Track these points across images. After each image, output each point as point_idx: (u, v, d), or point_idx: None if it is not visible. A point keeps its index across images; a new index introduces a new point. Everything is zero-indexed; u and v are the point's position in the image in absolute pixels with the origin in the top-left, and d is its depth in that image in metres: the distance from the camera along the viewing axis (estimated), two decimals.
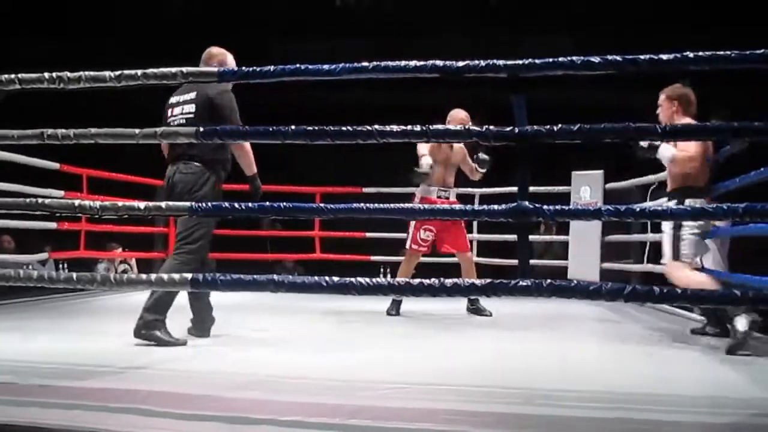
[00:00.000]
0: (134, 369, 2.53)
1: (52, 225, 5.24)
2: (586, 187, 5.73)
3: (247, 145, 3.23)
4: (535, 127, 2.22)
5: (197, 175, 3.13)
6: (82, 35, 12.85)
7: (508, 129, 2.16)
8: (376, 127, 2.19)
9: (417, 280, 2.04)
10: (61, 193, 4.97)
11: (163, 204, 2.31)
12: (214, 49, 3.31)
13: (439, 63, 2.36)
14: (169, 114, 3.22)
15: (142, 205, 2.26)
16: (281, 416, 1.87)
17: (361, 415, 1.90)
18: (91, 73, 2.29)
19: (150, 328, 3.02)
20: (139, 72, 2.28)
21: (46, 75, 2.29)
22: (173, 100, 3.29)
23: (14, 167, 4.77)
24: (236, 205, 2.27)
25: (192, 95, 3.20)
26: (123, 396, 2.08)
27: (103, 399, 2.04)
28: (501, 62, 2.18)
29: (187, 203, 2.32)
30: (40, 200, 2.35)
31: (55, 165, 5.15)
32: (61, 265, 7.02)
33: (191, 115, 3.12)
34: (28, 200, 2.34)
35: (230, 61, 3.28)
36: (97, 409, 1.93)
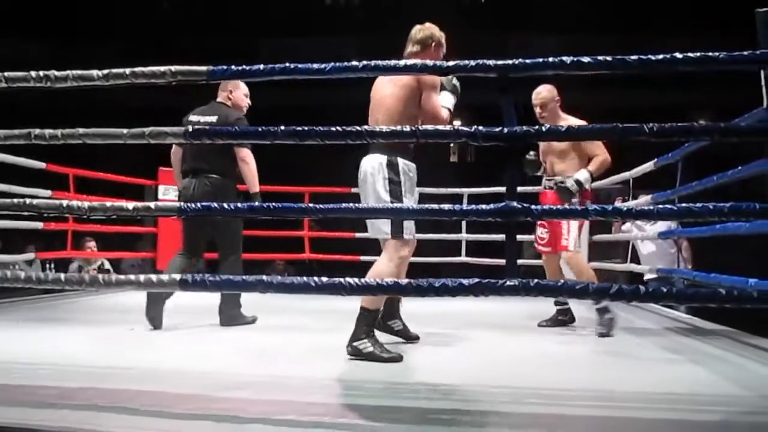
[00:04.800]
0: (122, 369, 2.52)
1: (39, 225, 5.20)
2: None
3: (253, 164, 3.67)
4: (524, 127, 2.24)
5: (218, 187, 3.58)
6: (74, 36, 12.82)
7: (497, 129, 2.17)
8: (365, 127, 2.20)
9: (405, 280, 2.05)
10: (48, 192, 4.94)
11: (151, 204, 2.30)
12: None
13: (429, 62, 2.36)
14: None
15: (130, 205, 2.25)
16: (271, 416, 1.87)
17: (352, 414, 1.91)
18: (79, 72, 2.27)
19: (233, 317, 3.69)
20: (128, 71, 2.27)
21: (33, 74, 2.27)
22: (193, 118, 3.66)
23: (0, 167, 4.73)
24: (225, 205, 2.27)
25: (213, 118, 3.63)
26: (111, 396, 2.07)
27: (90, 399, 2.03)
28: (491, 62, 2.18)
29: (175, 203, 2.32)
30: (27, 200, 2.33)
31: (42, 164, 5.11)
32: (48, 266, 6.97)
33: None
34: (15, 200, 2.32)
35: (242, 89, 3.79)
36: (85, 409, 1.92)
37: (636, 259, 5.68)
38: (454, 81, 2.97)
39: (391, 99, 2.81)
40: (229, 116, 3.66)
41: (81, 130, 2.24)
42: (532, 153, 3.78)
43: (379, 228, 2.80)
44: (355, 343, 2.68)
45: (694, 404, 2.11)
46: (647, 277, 5.29)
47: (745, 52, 2.10)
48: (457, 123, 11.78)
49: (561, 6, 12.47)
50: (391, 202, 2.74)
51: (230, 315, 3.73)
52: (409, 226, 2.80)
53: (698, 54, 2.09)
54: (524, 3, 12.88)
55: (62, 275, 2.17)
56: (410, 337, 3.23)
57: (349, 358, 2.70)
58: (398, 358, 2.67)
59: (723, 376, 2.50)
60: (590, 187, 3.68)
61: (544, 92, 3.68)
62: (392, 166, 2.77)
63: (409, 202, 2.82)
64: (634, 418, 1.96)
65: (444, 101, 2.89)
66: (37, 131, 2.26)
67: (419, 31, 2.99)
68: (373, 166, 2.79)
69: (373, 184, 2.78)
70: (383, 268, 2.73)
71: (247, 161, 3.65)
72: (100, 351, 2.91)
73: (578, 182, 3.51)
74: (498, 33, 12.51)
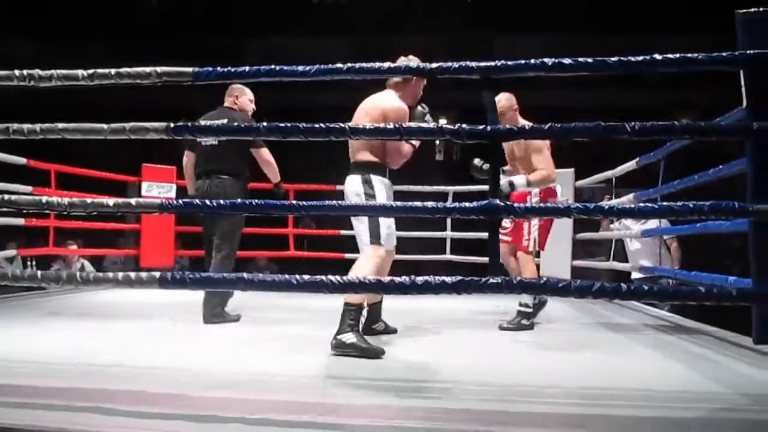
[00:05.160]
0: (100, 368, 2.49)
1: (20, 221, 5.14)
2: (558, 186, 5.77)
3: (272, 159, 3.96)
4: (507, 125, 2.25)
5: (228, 186, 3.83)
6: (61, 36, 12.69)
7: (480, 127, 2.17)
8: (349, 125, 2.19)
9: (388, 278, 2.05)
10: (29, 188, 4.88)
11: (132, 200, 2.28)
12: (236, 85, 4.00)
13: (413, 64, 2.37)
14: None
15: (111, 201, 2.23)
16: (250, 414, 1.86)
17: (334, 413, 1.90)
18: (63, 71, 2.25)
19: (216, 315, 3.75)
20: (113, 71, 2.25)
21: (17, 72, 2.24)
22: (203, 123, 3.82)
23: None
24: (207, 202, 2.25)
25: (224, 121, 3.84)
26: (89, 395, 2.05)
27: (68, 398, 2.01)
28: (474, 64, 2.19)
29: (157, 200, 2.30)
30: (6, 196, 2.29)
31: (22, 160, 5.05)
32: (29, 262, 6.89)
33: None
34: None
35: (248, 95, 4.06)
36: (62, 409, 1.90)
37: (622, 257, 5.71)
38: (427, 117, 3.16)
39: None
40: (238, 120, 3.87)
41: (60, 126, 2.21)
42: (477, 159, 3.83)
43: (361, 240, 3.05)
44: (339, 337, 2.76)
45: (675, 402, 2.13)
46: (634, 276, 5.32)
47: (724, 53, 2.13)
48: (442, 121, 11.80)
49: (546, 7, 12.51)
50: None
51: (213, 313, 3.75)
52: (384, 233, 3.01)
53: (678, 55, 2.11)
54: (510, 3, 12.92)
55: (39, 272, 2.14)
56: (390, 332, 3.43)
57: (333, 353, 2.73)
58: (380, 351, 2.75)
59: (704, 374, 2.53)
60: (528, 191, 3.78)
61: (502, 101, 3.74)
62: (367, 182, 3.03)
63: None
64: (615, 415, 1.97)
65: None
66: (15, 126, 2.23)
67: (403, 63, 3.18)
68: (351, 185, 3.07)
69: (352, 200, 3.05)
70: (364, 264, 2.91)
71: (269, 160, 3.97)
72: (78, 350, 2.88)
73: (511, 183, 3.61)
74: (483, 33, 12.54)
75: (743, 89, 2.76)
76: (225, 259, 3.83)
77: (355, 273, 2.79)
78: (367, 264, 2.90)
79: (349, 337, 2.74)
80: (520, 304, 3.69)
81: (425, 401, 2.08)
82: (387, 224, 3.04)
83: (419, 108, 3.16)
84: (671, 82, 11.08)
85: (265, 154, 3.97)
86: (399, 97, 3.10)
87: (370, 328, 3.31)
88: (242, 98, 4.06)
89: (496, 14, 12.79)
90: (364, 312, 2.88)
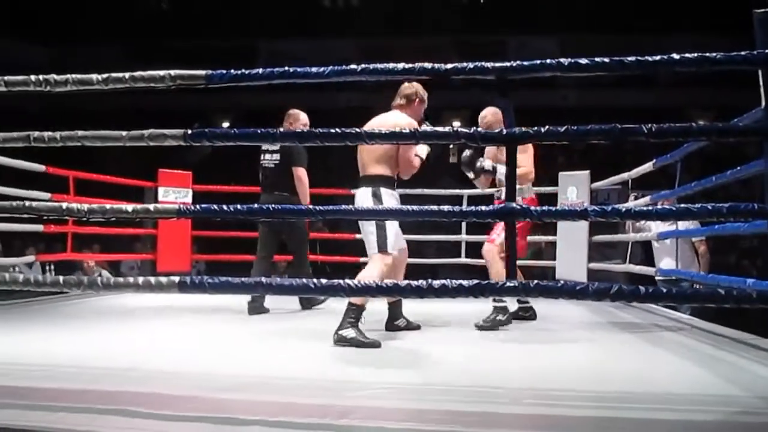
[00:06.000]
0: (120, 370, 2.51)
1: (39, 227, 5.20)
2: (573, 188, 5.76)
3: (306, 181, 4.37)
4: (523, 128, 2.24)
5: (286, 200, 4.22)
6: (74, 38, 12.83)
7: (496, 131, 2.17)
8: (365, 129, 2.20)
9: (405, 282, 2.05)
10: (48, 195, 4.93)
11: (150, 206, 2.31)
12: (292, 110, 4.54)
13: (428, 65, 2.37)
14: (263, 158, 4.51)
15: (129, 207, 2.25)
16: (271, 417, 1.87)
17: (351, 415, 1.91)
18: (78, 76, 2.28)
19: (312, 301, 4.13)
20: (127, 75, 2.28)
21: (33, 77, 2.28)
22: (265, 147, 4.49)
23: None
24: (225, 207, 2.27)
25: (277, 146, 4.37)
26: (109, 397, 2.06)
27: (88, 401, 2.03)
28: (489, 64, 2.19)
29: (175, 205, 2.33)
30: (26, 203, 2.33)
31: (42, 167, 5.10)
32: (48, 267, 6.97)
33: (277, 161, 4.40)
34: (14, 203, 2.32)
35: (302, 119, 4.47)
36: (83, 411, 1.92)
37: (639, 259, 5.66)
38: (426, 124, 3.35)
39: (375, 144, 3.13)
40: (290, 144, 4.12)
41: (80, 133, 2.24)
42: (467, 151, 3.84)
43: (370, 247, 3.23)
44: (340, 332, 3.03)
45: (691, 404, 2.11)
46: (658, 278, 5.25)
47: (743, 53, 2.11)
48: (456, 124, 11.80)
49: (559, 6, 12.47)
50: (376, 225, 3.16)
51: (311, 301, 4.19)
52: (392, 242, 3.21)
53: (695, 55, 2.09)
54: (523, 3, 12.89)
55: (61, 278, 2.17)
56: (413, 327, 3.59)
57: (335, 344, 2.99)
58: (377, 344, 3.01)
59: (721, 377, 2.50)
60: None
61: (489, 116, 3.81)
62: (376, 196, 3.20)
63: (394, 223, 3.24)
64: (630, 418, 1.96)
65: (419, 150, 3.32)
66: (36, 134, 2.26)
67: (406, 87, 3.46)
68: (361, 197, 3.24)
69: None
70: (372, 271, 3.11)
71: (302, 179, 4.38)
72: (95, 353, 2.91)
73: (494, 167, 3.78)
74: (496, 34, 12.52)
75: (762, 89, 2.74)
76: (300, 263, 4.39)
77: (363, 278, 2.96)
78: (374, 270, 3.10)
79: (349, 332, 3.00)
80: (494, 300, 3.64)
81: (440, 404, 2.08)
82: (393, 234, 3.23)
83: None
84: (674, 84, 11.02)
85: (299, 172, 4.39)
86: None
87: (392, 324, 3.51)
88: (296, 123, 4.45)
89: (503, 14, 12.77)
90: (388, 308, 3.06)
